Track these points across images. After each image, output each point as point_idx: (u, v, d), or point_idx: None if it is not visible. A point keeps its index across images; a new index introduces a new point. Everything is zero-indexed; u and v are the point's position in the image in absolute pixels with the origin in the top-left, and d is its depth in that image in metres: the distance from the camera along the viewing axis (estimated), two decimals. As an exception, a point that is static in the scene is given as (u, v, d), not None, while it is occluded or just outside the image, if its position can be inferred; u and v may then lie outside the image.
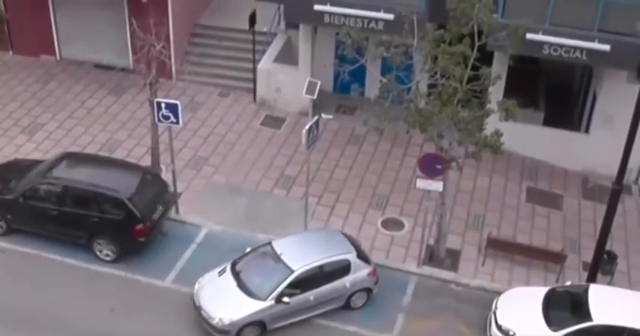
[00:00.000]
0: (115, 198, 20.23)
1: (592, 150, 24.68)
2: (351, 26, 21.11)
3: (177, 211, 22.42)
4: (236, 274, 19.27)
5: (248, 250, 19.97)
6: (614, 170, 19.11)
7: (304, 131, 20.14)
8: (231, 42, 28.76)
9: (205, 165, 24.54)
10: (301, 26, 26.09)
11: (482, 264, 21.53)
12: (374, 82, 22.77)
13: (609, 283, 20.77)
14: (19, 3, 28.16)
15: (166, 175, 22.38)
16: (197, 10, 29.71)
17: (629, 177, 24.36)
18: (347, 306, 19.83)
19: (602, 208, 20.79)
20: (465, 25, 19.05)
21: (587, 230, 23.01)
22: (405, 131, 23.71)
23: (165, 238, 21.55)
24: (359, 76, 24.13)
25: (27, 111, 26.47)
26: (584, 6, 22.21)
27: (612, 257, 21.32)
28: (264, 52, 27.81)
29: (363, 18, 23.61)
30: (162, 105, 20.79)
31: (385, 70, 22.90)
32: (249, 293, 18.83)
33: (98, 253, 20.69)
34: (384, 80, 19.93)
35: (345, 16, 23.75)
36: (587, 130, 25.48)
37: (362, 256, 19.93)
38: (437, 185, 20.00)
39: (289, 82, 26.61)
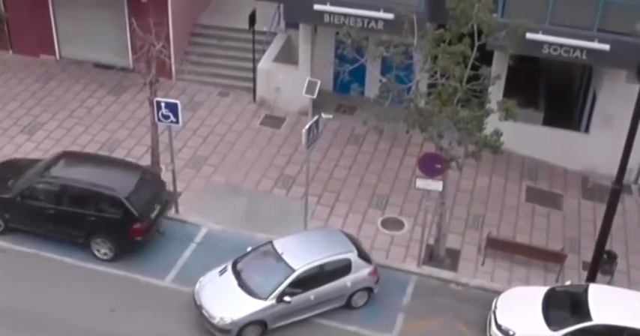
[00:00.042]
0: (113, 197, 20.24)
1: (592, 150, 24.68)
2: (350, 26, 21.11)
3: (177, 211, 22.42)
4: (237, 274, 19.28)
5: (249, 249, 19.98)
6: (613, 170, 19.11)
7: (304, 131, 20.13)
8: (231, 41, 28.75)
9: (205, 164, 24.54)
10: (301, 26, 26.09)
11: (482, 264, 21.53)
12: (374, 81, 22.76)
13: (609, 283, 20.76)
14: (18, 2, 28.15)
15: (166, 175, 22.39)
16: (197, 9, 29.71)
17: (629, 177, 24.36)
18: (348, 305, 19.84)
19: (601, 208, 20.79)
20: (465, 25, 19.05)
21: (587, 230, 23.01)
22: (405, 131, 23.73)
23: (164, 238, 21.55)
24: (359, 75, 24.13)
25: (27, 110, 26.47)
26: (584, 5, 22.21)
27: (612, 257, 21.32)
28: (264, 51, 27.81)
29: (362, 17, 23.61)
30: (162, 104, 20.79)
31: (385, 69, 22.90)
32: (251, 292, 18.83)
33: (96, 252, 20.70)
34: (384, 80, 19.93)
35: (345, 15, 23.74)
36: (586, 130, 25.48)
37: (363, 256, 19.94)
38: (436, 185, 20.00)
39: (289, 82, 26.61)
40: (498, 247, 21.59)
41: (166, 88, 26.71)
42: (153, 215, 20.82)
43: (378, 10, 23.42)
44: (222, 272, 19.45)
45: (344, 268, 19.47)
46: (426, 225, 20.91)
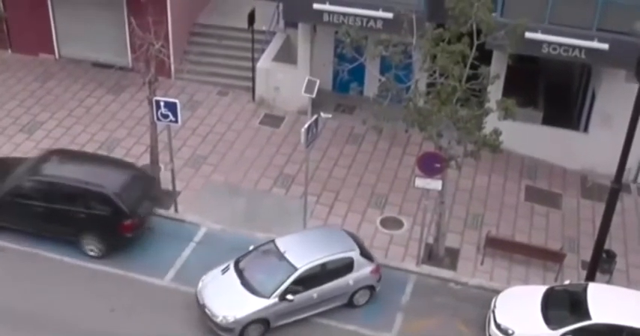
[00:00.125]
0: (102, 194, 20.28)
1: (591, 149, 24.69)
2: (350, 25, 21.10)
3: (176, 210, 22.43)
4: (240, 272, 19.29)
5: (251, 248, 19.99)
6: (612, 169, 19.12)
7: (303, 130, 20.13)
8: (230, 41, 28.74)
9: (204, 164, 24.54)
10: (300, 25, 26.09)
11: (481, 263, 21.54)
12: (373, 80, 22.77)
13: (608, 282, 20.77)
14: (18, 1, 28.13)
15: (165, 174, 22.38)
16: (196, 9, 29.70)
17: (628, 176, 24.37)
18: (350, 303, 19.86)
19: (600, 207, 20.81)
20: (464, 24, 19.06)
21: (586, 229, 23.02)
22: (404, 130, 23.79)
23: (163, 237, 21.54)
24: (358, 74, 24.14)
25: (26, 109, 26.46)
26: (583, 5, 22.21)
27: (611, 256, 21.33)
28: (263, 50, 27.81)
29: (362, 17, 23.61)
30: (161, 103, 20.79)
31: (384, 68, 22.89)
32: (253, 291, 18.85)
33: (85, 249, 20.71)
34: (383, 79, 19.92)
35: (344, 14, 23.74)
36: (586, 129, 25.49)
37: (365, 254, 19.96)
38: (436, 184, 20.00)
39: (288, 81, 26.60)
40: (497, 246, 21.60)
41: (165, 88, 26.69)
42: (142, 212, 20.87)
43: (377, 9, 23.42)
44: (224, 271, 19.46)
45: (346, 266, 19.49)
46: (425, 224, 20.92)
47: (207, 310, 18.76)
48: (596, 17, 22.10)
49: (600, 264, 20.66)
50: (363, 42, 20.52)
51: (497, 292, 20.17)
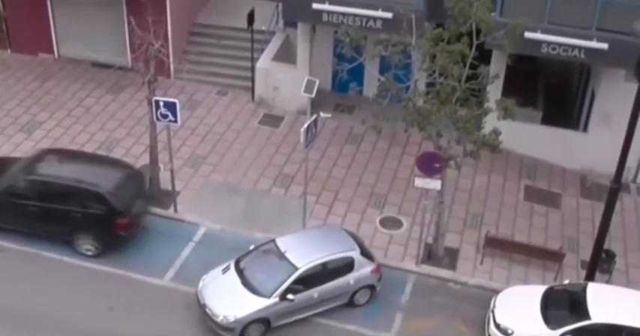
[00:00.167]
0: (96, 192, 20.31)
1: (590, 149, 24.69)
2: (349, 25, 21.11)
3: (175, 210, 22.42)
4: (240, 272, 19.30)
5: (252, 247, 19.99)
6: (612, 169, 19.13)
7: (302, 130, 20.13)
8: (230, 40, 28.74)
9: (203, 163, 24.54)
10: (299, 25, 26.08)
11: (481, 262, 21.54)
12: (372, 80, 22.77)
13: (607, 282, 20.78)
14: (17, 1, 28.12)
15: (164, 174, 22.38)
16: (195, 8, 29.70)
17: (627, 175, 24.37)
18: (350, 303, 19.87)
19: (600, 207, 20.81)
20: (464, 24, 19.06)
21: (586, 229, 23.02)
22: (404, 130, 23.82)
23: (162, 237, 21.54)
24: (357, 74, 24.15)
25: (25, 109, 26.44)
26: (583, 5, 22.22)
27: (610, 256, 21.33)
28: (262, 50, 27.80)
29: (361, 16, 23.60)
30: (161, 103, 20.78)
31: (383, 68, 22.88)
32: (254, 291, 18.85)
33: (79, 248, 20.72)
34: (383, 79, 19.92)
35: (344, 14, 23.74)
36: (585, 129, 25.50)
37: (365, 254, 19.97)
38: (435, 184, 20.01)
39: (287, 81, 26.59)
40: (497, 246, 21.60)
41: (165, 87, 26.69)
42: (136, 210, 20.90)
43: (376, 9, 23.42)
44: (225, 270, 19.47)
45: (347, 266, 19.50)
46: (424, 224, 20.92)
47: (207, 310, 18.77)
48: (595, 17, 22.11)
49: (600, 264, 20.66)
50: (362, 42, 20.51)
51: (496, 291, 20.17)
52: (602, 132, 24.19)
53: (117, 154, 24.17)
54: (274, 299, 18.70)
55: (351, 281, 19.53)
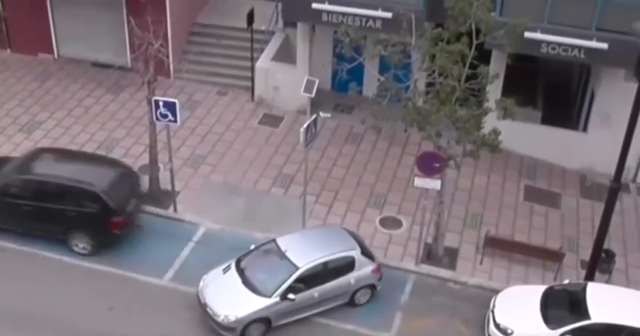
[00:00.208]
0: (90, 191, 20.32)
1: (590, 148, 24.69)
2: (349, 25, 21.11)
3: (175, 210, 22.42)
4: (241, 271, 19.30)
5: (252, 247, 19.99)
6: (612, 168, 19.14)
7: (302, 130, 20.13)
8: (229, 40, 28.74)
9: (203, 163, 24.53)
10: (299, 25, 26.07)
11: (480, 262, 21.54)
12: (372, 80, 22.77)
13: (607, 282, 20.77)
14: (17, 1, 28.11)
15: (164, 174, 22.38)
16: (195, 8, 29.69)
17: (627, 175, 24.37)
18: (351, 303, 19.88)
19: (600, 207, 20.82)
20: (463, 24, 19.05)
21: (585, 228, 23.02)
22: (403, 130, 23.80)
23: (162, 237, 21.54)
24: (357, 74, 24.15)
25: (25, 109, 26.44)
26: (583, 4, 22.21)
27: (610, 255, 21.33)
28: (262, 50, 27.80)
29: (361, 16, 23.59)
30: (160, 103, 20.78)
31: (383, 68, 22.87)
32: (255, 290, 18.86)
33: (74, 247, 20.72)
34: (382, 79, 19.92)
35: (343, 14, 23.72)
36: (585, 129, 25.49)
37: (366, 253, 19.98)
38: (435, 184, 20.01)
39: (287, 81, 26.59)
40: (497, 245, 21.59)
41: (164, 87, 26.68)
42: (130, 209, 20.91)
43: (376, 9, 23.40)
44: (225, 270, 19.47)
45: (347, 265, 19.51)
46: (424, 224, 20.92)
47: (208, 310, 18.77)
48: (595, 17, 22.10)
49: (599, 263, 20.67)
50: (362, 42, 20.51)
51: (496, 291, 20.17)
52: (602, 132, 24.19)
53: (116, 154, 24.18)
54: (275, 299, 18.70)
55: (352, 281, 19.53)
